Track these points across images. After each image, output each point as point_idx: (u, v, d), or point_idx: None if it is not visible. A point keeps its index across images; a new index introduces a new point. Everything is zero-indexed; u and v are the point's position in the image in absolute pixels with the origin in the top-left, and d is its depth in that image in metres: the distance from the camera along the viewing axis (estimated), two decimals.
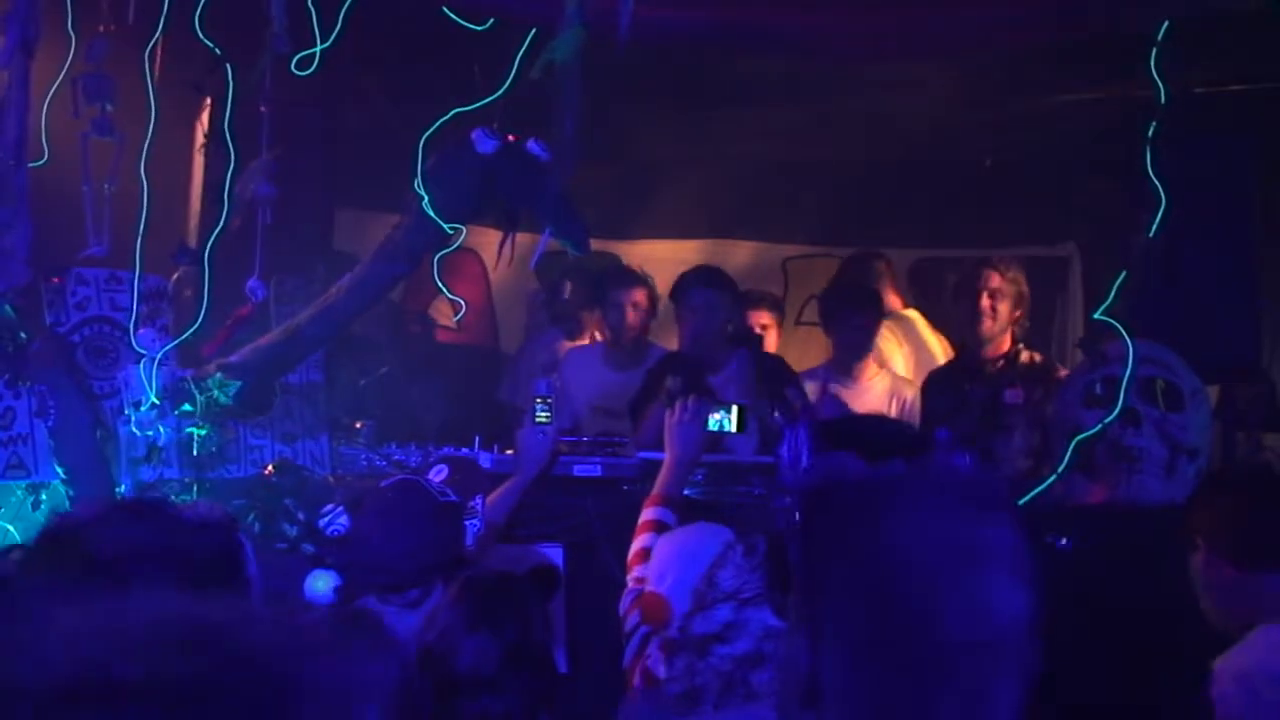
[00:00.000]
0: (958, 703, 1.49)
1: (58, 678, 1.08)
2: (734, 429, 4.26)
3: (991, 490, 1.60)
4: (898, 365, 6.25)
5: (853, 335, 5.96)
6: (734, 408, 4.28)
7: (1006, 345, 5.63)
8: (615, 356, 6.06)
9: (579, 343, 6.50)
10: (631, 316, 6.00)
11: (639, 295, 6.02)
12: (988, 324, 5.59)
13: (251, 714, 1.11)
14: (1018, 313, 5.61)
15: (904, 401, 5.91)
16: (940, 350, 6.33)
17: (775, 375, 5.55)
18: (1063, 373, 5.63)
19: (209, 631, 1.14)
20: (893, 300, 6.58)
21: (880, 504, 1.57)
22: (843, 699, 1.54)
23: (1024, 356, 5.65)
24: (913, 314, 6.55)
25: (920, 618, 1.48)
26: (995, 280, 5.57)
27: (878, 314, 6.04)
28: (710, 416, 4.17)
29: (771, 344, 6.20)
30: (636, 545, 3.72)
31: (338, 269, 4.83)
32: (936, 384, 5.91)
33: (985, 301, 5.57)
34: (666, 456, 4.04)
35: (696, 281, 5.60)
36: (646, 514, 3.82)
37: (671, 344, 6.03)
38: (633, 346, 6.05)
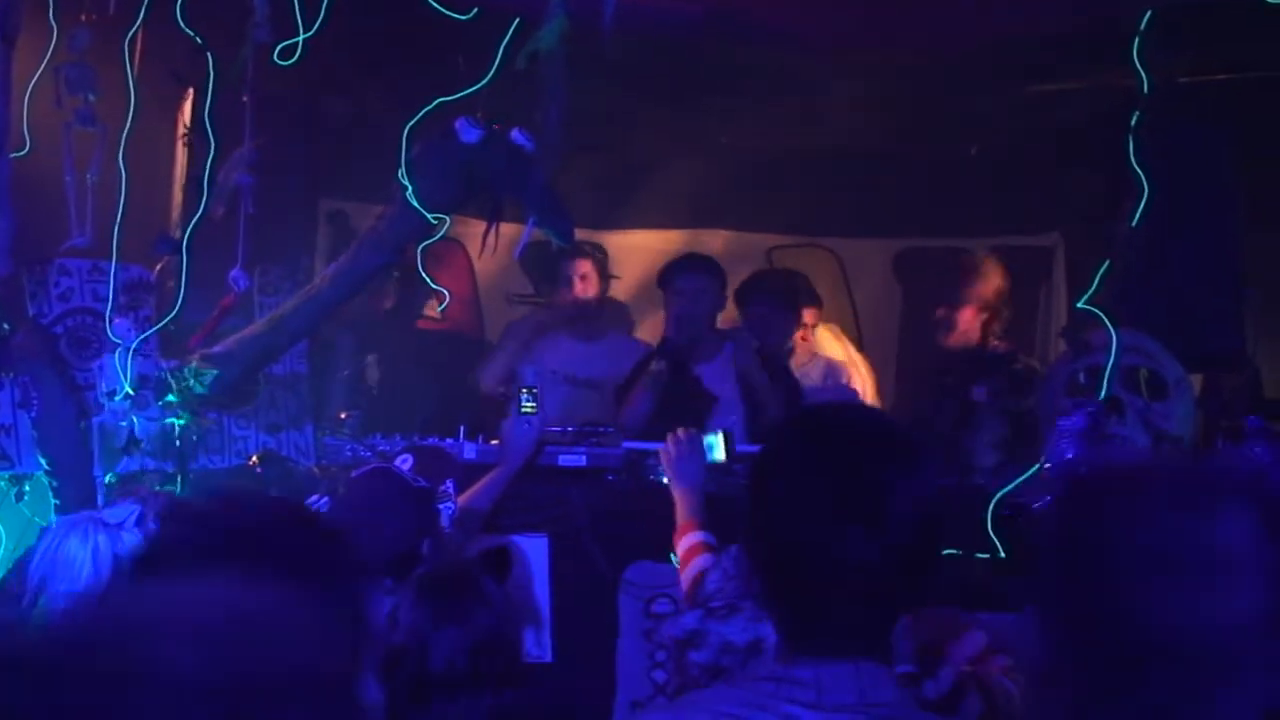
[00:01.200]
0: (1168, 706, 1.47)
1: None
2: (722, 457, 4.22)
3: (1246, 489, 1.54)
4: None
5: (756, 325, 6.03)
6: (720, 434, 4.24)
7: (975, 339, 5.69)
8: (576, 327, 6.07)
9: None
10: (579, 287, 6.01)
11: (584, 266, 6.05)
12: (943, 336, 5.74)
13: None
14: (985, 315, 5.68)
15: (838, 380, 6.00)
16: (849, 362, 6.39)
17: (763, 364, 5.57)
18: (1024, 361, 5.76)
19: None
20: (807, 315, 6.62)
21: (1118, 495, 1.55)
22: (1058, 683, 1.54)
23: (990, 346, 5.71)
24: (820, 329, 6.58)
25: (1132, 615, 1.47)
26: (960, 292, 5.68)
27: (778, 298, 6.08)
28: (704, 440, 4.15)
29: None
30: (691, 570, 3.66)
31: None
32: (919, 384, 5.99)
33: (940, 312, 5.69)
34: (675, 492, 3.99)
35: (684, 267, 5.62)
36: (687, 540, 3.77)
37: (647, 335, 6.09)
38: (592, 319, 6.08)
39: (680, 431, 4.12)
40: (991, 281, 5.72)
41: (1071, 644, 1.54)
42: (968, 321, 5.68)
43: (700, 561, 3.64)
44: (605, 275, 6.19)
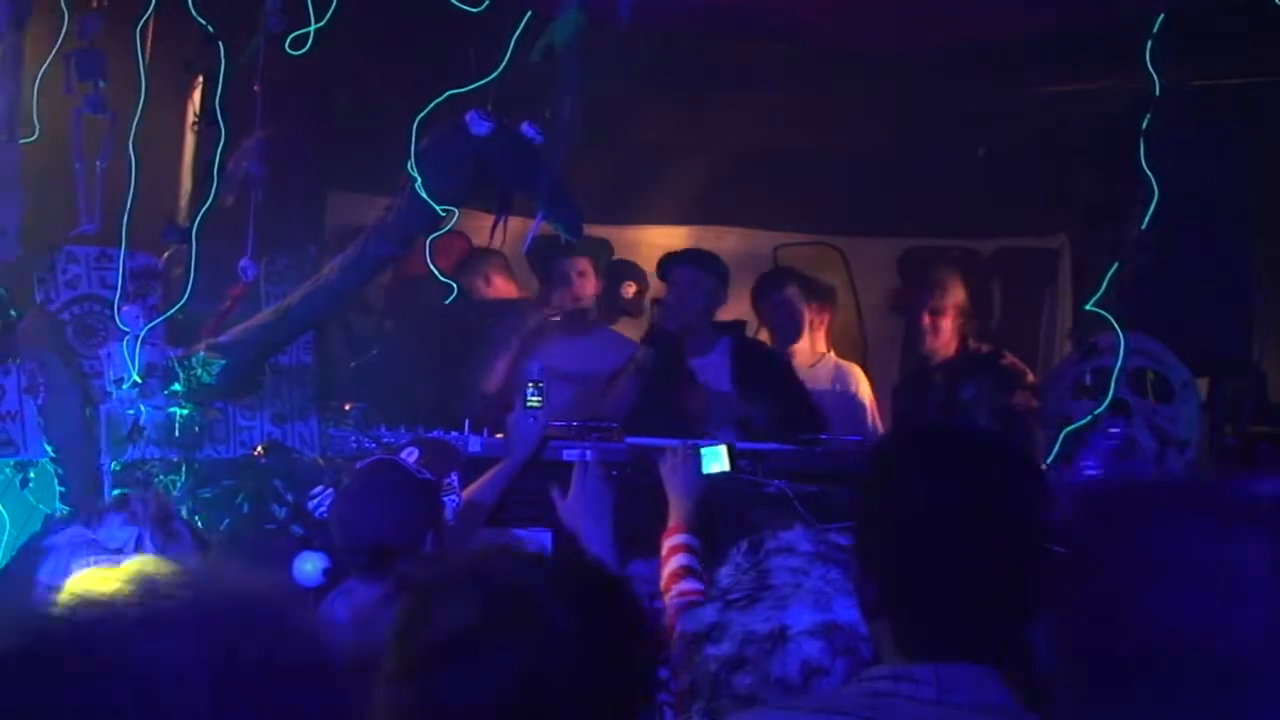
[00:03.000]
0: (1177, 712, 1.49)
1: None
2: (725, 467, 4.30)
3: (1258, 510, 1.55)
4: None
5: (779, 311, 6.05)
6: (724, 447, 4.32)
7: (955, 346, 5.80)
8: (566, 323, 6.11)
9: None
10: (579, 285, 6.09)
11: (583, 264, 6.12)
12: (929, 340, 5.88)
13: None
14: (960, 320, 5.79)
15: (848, 384, 6.07)
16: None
17: (761, 360, 5.59)
18: (1009, 359, 5.85)
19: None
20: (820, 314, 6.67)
21: (1132, 513, 1.58)
22: (1070, 684, 1.56)
23: (971, 348, 5.81)
24: None
25: (1150, 634, 1.49)
26: (935, 300, 5.76)
27: (799, 288, 6.13)
28: (704, 450, 4.26)
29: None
30: (673, 565, 3.79)
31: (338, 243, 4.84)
32: (899, 389, 6.06)
33: (926, 319, 5.77)
34: (670, 500, 4.10)
35: (679, 259, 5.70)
36: (674, 540, 3.90)
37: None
38: (582, 315, 6.15)
39: (677, 445, 4.27)
40: (959, 290, 5.86)
41: (1085, 650, 1.57)
42: (948, 328, 5.79)
43: (680, 559, 3.79)
44: (599, 271, 6.25)
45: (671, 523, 4.01)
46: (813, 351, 6.22)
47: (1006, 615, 1.89)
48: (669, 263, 5.72)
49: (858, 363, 6.53)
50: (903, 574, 1.93)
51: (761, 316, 6.33)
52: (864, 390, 6.18)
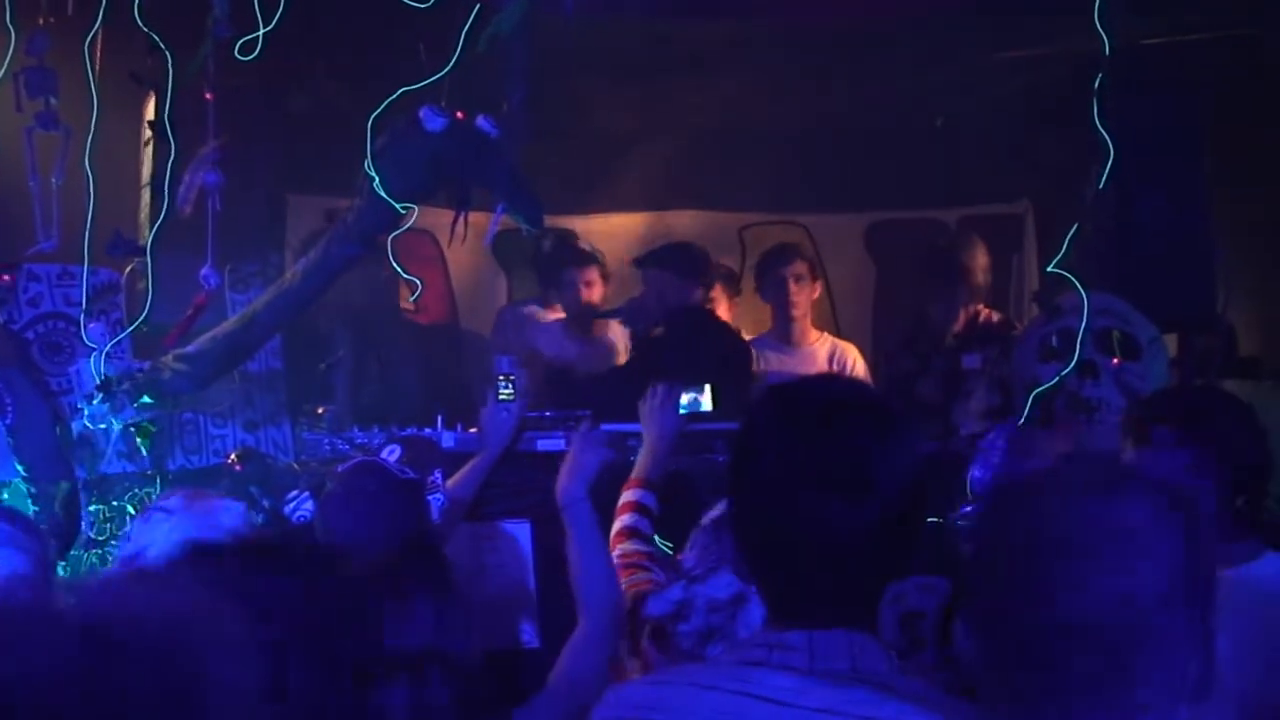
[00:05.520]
0: (1094, 675, 1.57)
1: None
2: (709, 408, 4.27)
3: (1144, 477, 1.69)
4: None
5: (781, 289, 6.05)
6: (707, 387, 4.29)
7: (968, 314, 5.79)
8: (573, 329, 6.16)
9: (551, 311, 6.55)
10: (585, 293, 6.13)
11: (592, 274, 6.15)
12: (973, 307, 5.83)
13: None
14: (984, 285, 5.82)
15: (845, 364, 6.04)
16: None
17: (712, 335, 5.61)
18: (1019, 329, 5.78)
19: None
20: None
21: (1031, 495, 1.69)
22: (993, 669, 1.65)
23: (982, 317, 5.78)
24: None
25: (1051, 598, 1.58)
26: (981, 260, 5.73)
27: (805, 264, 6.13)
28: (683, 397, 4.20)
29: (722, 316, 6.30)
30: (618, 525, 3.73)
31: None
32: (898, 350, 6.02)
33: (977, 280, 5.76)
34: (644, 441, 4.05)
35: (643, 262, 5.76)
36: (627, 495, 3.84)
37: None
38: (588, 320, 6.18)
39: (661, 384, 4.17)
40: (982, 261, 5.82)
41: (999, 633, 1.65)
42: (966, 310, 5.80)
43: (628, 519, 3.73)
44: (606, 276, 6.25)
45: (635, 471, 3.93)
46: (811, 330, 6.20)
47: (874, 578, 1.86)
48: (638, 265, 5.77)
49: None
50: (766, 540, 1.87)
51: (765, 294, 6.30)
52: (860, 370, 6.16)
